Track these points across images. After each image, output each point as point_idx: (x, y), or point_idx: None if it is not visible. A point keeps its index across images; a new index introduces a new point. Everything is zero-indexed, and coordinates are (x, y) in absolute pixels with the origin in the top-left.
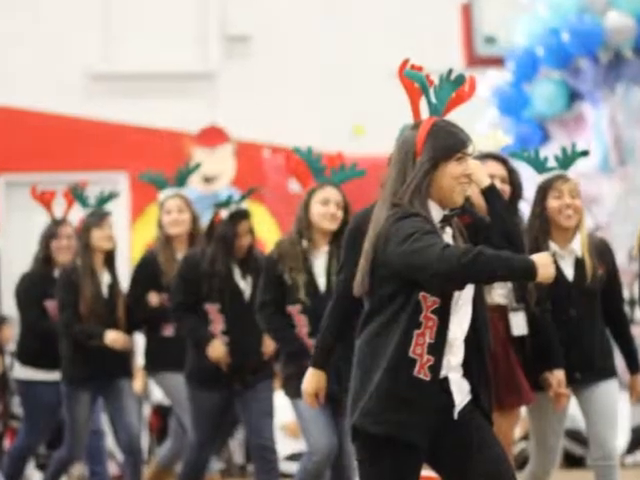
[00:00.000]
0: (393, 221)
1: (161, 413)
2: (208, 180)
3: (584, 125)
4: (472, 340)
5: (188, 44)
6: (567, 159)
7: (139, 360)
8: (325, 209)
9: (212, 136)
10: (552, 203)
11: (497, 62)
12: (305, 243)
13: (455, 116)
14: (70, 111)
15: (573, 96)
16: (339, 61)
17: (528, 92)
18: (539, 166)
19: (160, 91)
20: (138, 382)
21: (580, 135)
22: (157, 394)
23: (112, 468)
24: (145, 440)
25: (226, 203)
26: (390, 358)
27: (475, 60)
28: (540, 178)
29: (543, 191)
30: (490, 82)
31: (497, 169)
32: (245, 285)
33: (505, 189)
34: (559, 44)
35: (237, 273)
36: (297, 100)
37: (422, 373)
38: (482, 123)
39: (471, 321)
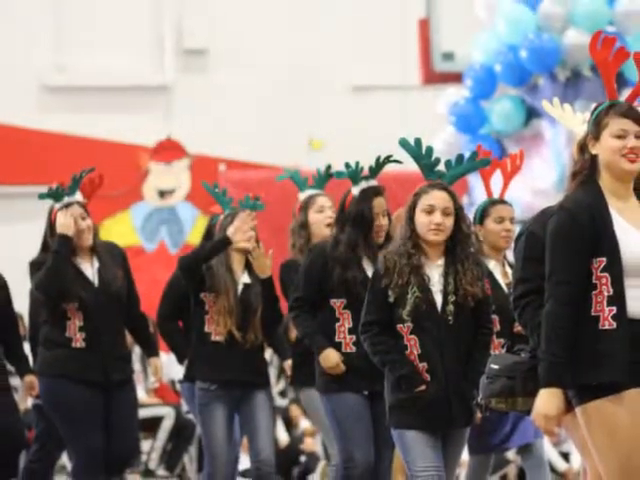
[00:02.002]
0: None
1: None
2: (163, 194)
3: (541, 143)
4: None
5: (144, 57)
6: None
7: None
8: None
9: (168, 150)
10: None
11: (455, 78)
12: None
13: (412, 134)
14: (24, 123)
15: (531, 113)
16: (295, 75)
17: (485, 109)
18: None
19: (115, 104)
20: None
21: (537, 153)
22: None
23: None
24: None
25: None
26: None
27: (433, 77)
28: None
29: None
30: (447, 99)
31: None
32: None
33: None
34: (517, 61)
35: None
36: (253, 114)
37: None
38: (438, 141)
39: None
